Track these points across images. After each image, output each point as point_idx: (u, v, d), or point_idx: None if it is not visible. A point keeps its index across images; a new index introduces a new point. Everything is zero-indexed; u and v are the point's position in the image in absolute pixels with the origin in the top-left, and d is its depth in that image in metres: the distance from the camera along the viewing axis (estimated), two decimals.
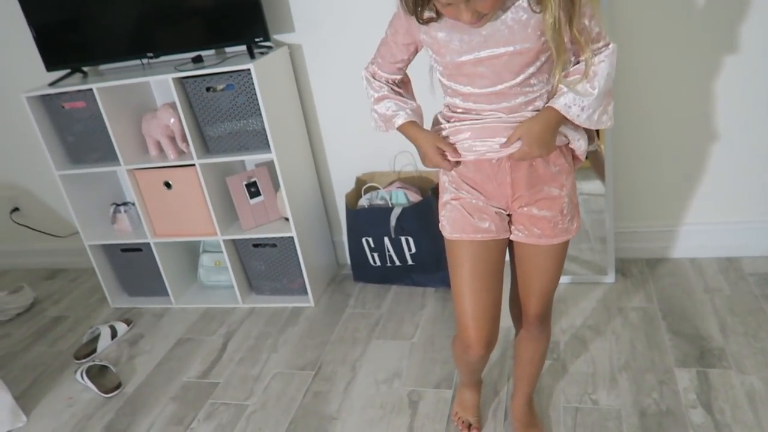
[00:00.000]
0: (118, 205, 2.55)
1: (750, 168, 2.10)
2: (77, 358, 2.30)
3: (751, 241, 2.18)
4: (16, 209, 3.00)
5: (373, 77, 1.36)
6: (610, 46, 1.19)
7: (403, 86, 1.38)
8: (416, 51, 1.30)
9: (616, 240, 2.22)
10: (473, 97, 1.22)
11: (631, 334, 1.94)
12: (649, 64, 2.03)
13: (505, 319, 1.47)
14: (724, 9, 1.91)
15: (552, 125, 1.20)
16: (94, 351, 2.32)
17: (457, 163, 1.29)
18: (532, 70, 1.17)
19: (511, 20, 1.12)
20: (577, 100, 1.17)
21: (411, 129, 1.32)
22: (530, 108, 1.21)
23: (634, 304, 2.08)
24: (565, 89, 1.18)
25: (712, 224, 2.21)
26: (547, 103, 1.21)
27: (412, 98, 1.39)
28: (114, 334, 2.39)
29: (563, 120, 1.20)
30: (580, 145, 1.27)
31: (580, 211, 1.36)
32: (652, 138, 2.13)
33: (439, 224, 1.36)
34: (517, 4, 1.11)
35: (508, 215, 1.32)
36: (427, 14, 1.14)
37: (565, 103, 1.18)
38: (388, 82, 1.35)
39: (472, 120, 1.24)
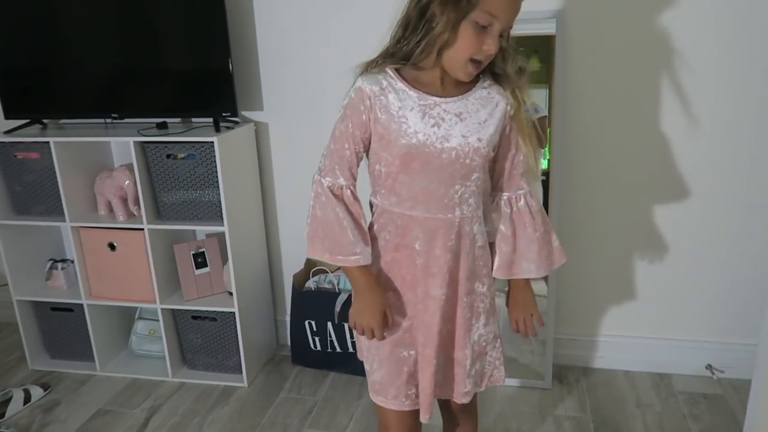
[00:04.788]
0: (55, 261, 2.46)
1: (683, 288, 2.21)
2: None
3: (681, 359, 2.26)
4: None
5: (333, 194, 1.21)
6: (533, 195, 1.31)
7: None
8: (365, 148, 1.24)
9: (555, 346, 2.26)
10: (409, 207, 1.22)
11: None
12: (595, 185, 2.15)
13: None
14: (677, 123, 2.07)
15: (529, 291, 1.38)
16: (2, 416, 2.15)
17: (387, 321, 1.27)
18: (471, 183, 1.22)
19: (477, 101, 1.20)
20: (532, 261, 1.31)
21: (364, 276, 1.24)
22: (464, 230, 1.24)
23: (568, 412, 2.09)
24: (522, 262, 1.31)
25: (646, 339, 2.28)
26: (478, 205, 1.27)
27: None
28: (27, 399, 2.23)
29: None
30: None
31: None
32: (596, 249, 2.23)
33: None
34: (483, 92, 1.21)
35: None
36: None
37: (526, 268, 1.31)
38: (349, 188, 1.23)
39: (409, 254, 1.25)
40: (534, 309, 1.37)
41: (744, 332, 2.17)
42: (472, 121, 1.18)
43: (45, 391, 2.30)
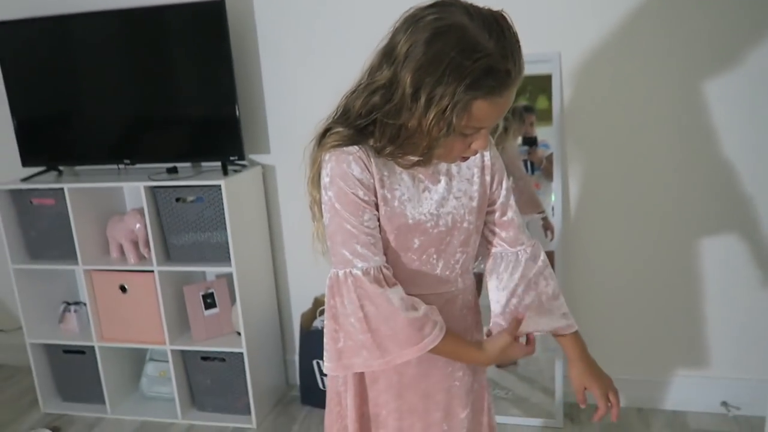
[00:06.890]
0: (69, 304, 2.50)
1: (697, 324, 2.18)
2: None
3: (696, 396, 2.21)
4: None
5: (376, 281, 1.01)
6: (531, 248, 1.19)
7: None
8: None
9: (565, 383, 2.23)
10: (407, 288, 1.06)
11: None
12: (601, 219, 2.16)
13: None
14: (677, 160, 2.08)
15: (586, 352, 1.22)
16: None
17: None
18: (470, 248, 1.14)
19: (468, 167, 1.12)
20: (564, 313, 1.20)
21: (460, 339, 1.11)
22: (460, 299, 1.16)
23: None
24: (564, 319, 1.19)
25: (659, 376, 2.25)
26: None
27: None
28: None
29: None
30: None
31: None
32: (606, 286, 2.21)
33: None
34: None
35: None
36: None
37: (568, 324, 1.19)
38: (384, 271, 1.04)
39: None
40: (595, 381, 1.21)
41: (760, 368, 2.13)
42: (461, 177, 1.10)
43: None
